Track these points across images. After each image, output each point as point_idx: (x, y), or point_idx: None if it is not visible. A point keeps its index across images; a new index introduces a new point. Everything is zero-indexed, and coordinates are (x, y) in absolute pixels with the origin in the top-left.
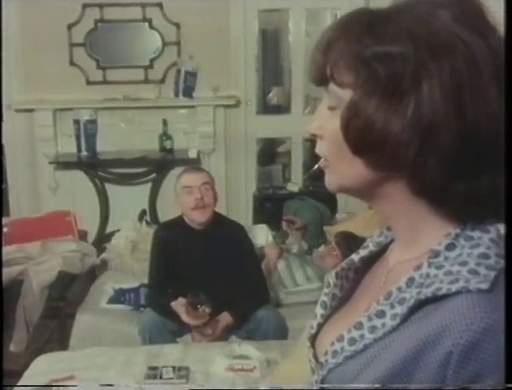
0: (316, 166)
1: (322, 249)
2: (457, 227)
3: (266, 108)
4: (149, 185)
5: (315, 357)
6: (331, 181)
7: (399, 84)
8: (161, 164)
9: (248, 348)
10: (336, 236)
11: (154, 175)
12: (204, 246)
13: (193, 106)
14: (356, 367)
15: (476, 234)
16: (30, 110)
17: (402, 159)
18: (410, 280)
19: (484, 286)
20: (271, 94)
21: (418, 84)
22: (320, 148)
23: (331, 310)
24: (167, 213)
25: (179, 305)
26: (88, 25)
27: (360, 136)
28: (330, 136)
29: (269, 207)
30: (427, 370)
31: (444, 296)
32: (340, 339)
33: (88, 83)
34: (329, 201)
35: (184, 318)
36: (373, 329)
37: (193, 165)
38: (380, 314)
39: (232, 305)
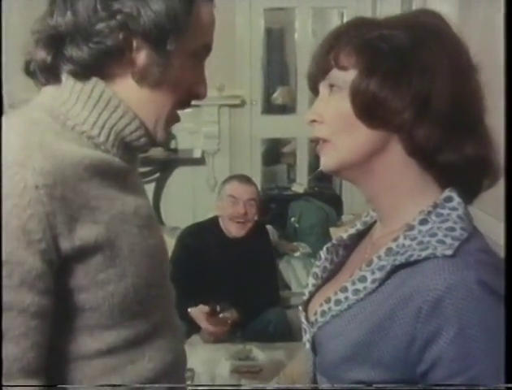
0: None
1: None
2: (430, 206)
3: (271, 108)
4: (152, 185)
5: (307, 319)
6: (329, 160)
7: (402, 56)
8: (165, 163)
9: (254, 350)
10: None
11: (157, 174)
12: (234, 255)
13: (197, 106)
14: (341, 324)
15: (446, 211)
16: None
17: (403, 120)
18: (389, 250)
19: (449, 252)
20: (275, 94)
21: (421, 57)
22: (320, 131)
23: (321, 281)
24: (170, 212)
25: (199, 312)
26: None
27: (368, 106)
28: (332, 115)
29: (274, 208)
30: (400, 324)
31: (416, 262)
32: (328, 300)
33: None
34: (335, 202)
35: (204, 325)
36: (356, 292)
37: (244, 174)
38: (362, 279)
39: (240, 302)
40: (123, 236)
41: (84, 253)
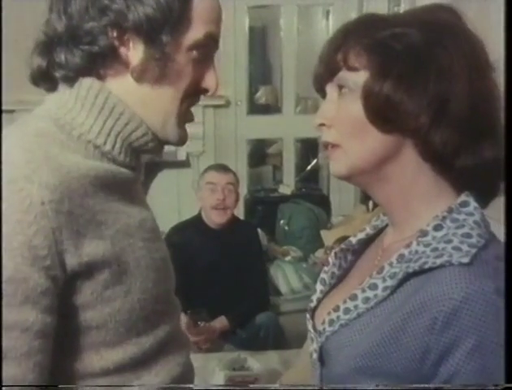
0: (309, 167)
1: (319, 253)
2: (445, 211)
3: (256, 108)
4: None
5: (314, 327)
6: (340, 166)
7: (417, 56)
8: (148, 166)
9: (248, 359)
10: (338, 241)
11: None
12: (219, 247)
13: None
14: (350, 334)
15: (461, 217)
16: (11, 111)
17: (418, 124)
18: (401, 257)
19: (465, 260)
20: (259, 93)
21: (437, 57)
22: (329, 135)
23: (329, 287)
24: (155, 217)
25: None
26: None
27: (381, 109)
28: (342, 119)
29: (261, 211)
30: (413, 335)
31: (430, 270)
32: (336, 309)
33: None
34: (322, 203)
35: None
36: (366, 300)
37: (220, 163)
38: (373, 287)
39: (230, 308)
40: (128, 250)
41: (91, 270)
